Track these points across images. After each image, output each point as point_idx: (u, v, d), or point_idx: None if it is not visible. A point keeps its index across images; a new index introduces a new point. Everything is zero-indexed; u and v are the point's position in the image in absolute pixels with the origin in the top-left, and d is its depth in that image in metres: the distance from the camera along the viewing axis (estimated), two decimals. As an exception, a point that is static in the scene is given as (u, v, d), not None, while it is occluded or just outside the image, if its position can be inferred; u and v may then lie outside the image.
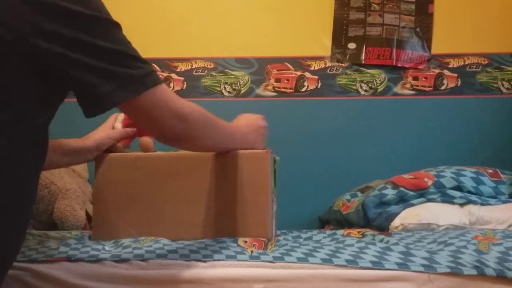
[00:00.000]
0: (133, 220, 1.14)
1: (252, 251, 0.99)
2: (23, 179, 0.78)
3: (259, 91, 2.25)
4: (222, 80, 2.25)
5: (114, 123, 1.20)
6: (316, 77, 2.25)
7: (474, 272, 0.90)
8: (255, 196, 1.11)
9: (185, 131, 0.87)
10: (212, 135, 0.97)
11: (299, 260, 0.95)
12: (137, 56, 0.79)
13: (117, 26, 0.79)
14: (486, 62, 2.23)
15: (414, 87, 2.23)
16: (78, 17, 0.73)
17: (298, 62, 2.26)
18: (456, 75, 2.23)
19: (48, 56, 0.72)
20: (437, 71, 2.23)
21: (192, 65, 2.27)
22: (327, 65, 2.25)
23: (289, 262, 0.95)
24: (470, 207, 1.41)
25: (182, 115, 0.84)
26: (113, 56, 0.75)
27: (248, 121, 1.13)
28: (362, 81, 2.24)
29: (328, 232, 1.26)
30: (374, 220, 1.43)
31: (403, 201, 1.45)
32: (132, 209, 1.14)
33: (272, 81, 2.25)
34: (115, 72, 0.75)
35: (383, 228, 1.39)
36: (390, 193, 1.47)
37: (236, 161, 1.12)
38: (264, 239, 1.07)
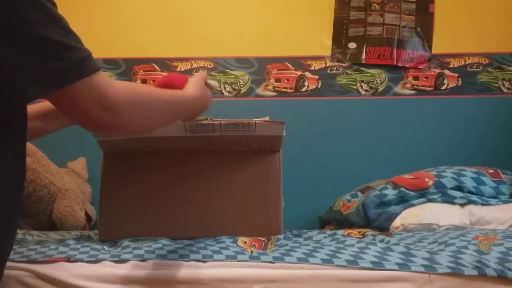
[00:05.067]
0: (142, 220, 1.13)
1: (252, 251, 0.98)
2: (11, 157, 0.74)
3: (259, 91, 2.25)
4: (222, 80, 2.25)
5: None
6: (316, 77, 2.24)
7: (475, 272, 0.90)
8: (267, 193, 1.13)
9: (113, 120, 0.75)
10: (149, 114, 0.83)
11: (299, 260, 0.94)
12: (62, 42, 0.68)
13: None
14: (487, 61, 2.22)
15: (414, 87, 2.23)
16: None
17: (298, 62, 2.25)
18: (456, 75, 2.23)
19: None
20: (437, 71, 2.23)
21: (192, 65, 2.26)
22: (327, 65, 2.25)
23: (289, 262, 0.94)
24: (471, 207, 1.41)
25: (107, 103, 0.73)
26: (35, 46, 0.66)
27: (195, 82, 0.99)
28: (362, 81, 2.23)
29: (329, 232, 1.26)
30: (375, 220, 1.43)
31: (404, 201, 1.45)
32: (141, 208, 1.14)
33: (272, 81, 2.25)
34: (35, 66, 0.66)
35: (383, 228, 1.39)
36: (390, 193, 1.46)
37: (249, 159, 1.13)
38: (263, 239, 1.07)
